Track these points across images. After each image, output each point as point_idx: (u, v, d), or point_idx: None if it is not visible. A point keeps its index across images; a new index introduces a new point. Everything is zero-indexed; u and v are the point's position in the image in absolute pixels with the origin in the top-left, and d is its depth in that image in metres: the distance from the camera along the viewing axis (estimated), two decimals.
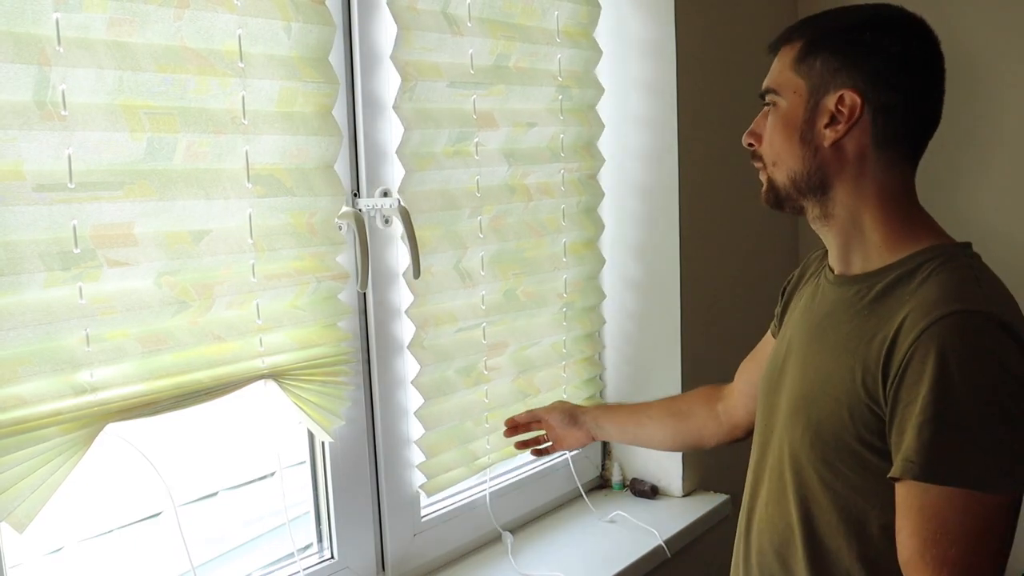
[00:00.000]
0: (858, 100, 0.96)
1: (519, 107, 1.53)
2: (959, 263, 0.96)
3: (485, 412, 1.52)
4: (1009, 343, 0.88)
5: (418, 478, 1.45)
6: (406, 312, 1.38)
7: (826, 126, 0.98)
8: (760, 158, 1.06)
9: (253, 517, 1.36)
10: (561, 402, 1.49)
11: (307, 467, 1.35)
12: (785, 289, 1.24)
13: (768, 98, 1.04)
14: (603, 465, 1.86)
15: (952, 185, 2.00)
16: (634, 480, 1.81)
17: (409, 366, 1.41)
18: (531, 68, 1.54)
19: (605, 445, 1.85)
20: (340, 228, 1.27)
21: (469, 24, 1.41)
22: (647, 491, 1.78)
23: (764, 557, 1.08)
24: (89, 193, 0.99)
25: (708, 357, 1.79)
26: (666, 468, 1.79)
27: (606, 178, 1.77)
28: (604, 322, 1.78)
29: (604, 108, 1.75)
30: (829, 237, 1.05)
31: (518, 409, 1.59)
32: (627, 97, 1.73)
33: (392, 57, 1.30)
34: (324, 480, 1.34)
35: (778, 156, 1.03)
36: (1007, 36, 1.90)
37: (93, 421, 1.01)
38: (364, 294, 1.34)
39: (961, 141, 1.96)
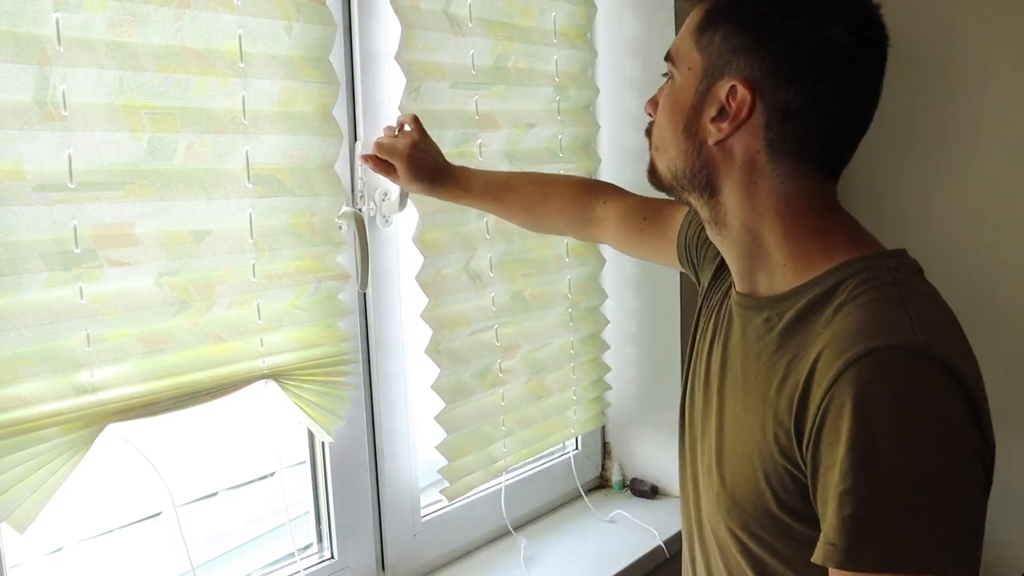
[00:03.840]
0: (748, 96, 0.77)
1: (518, 108, 1.53)
2: (882, 280, 0.77)
3: (501, 415, 1.51)
4: (947, 384, 0.69)
5: (419, 478, 1.45)
6: (421, 315, 1.36)
7: (713, 120, 0.80)
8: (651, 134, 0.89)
9: (253, 517, 1.36)
10: (422, 157, 1.24)
11: (307, 467, 1.35)
12: (708, 246, 1.05)
13: (668, 67, 0.86)
14: (603, 465, 1.86)
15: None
16: (634, 480, 1.81)
17: (410, 366, 1.41)
18: (529, 69, 1.54)
19: (605, 445, 1.86)
20: (340, 228, 1.27)
21: (470, 24, 1.41)
22: (647, 491, 1.78)
23: None
24: (90, 193, 0.99)
25: None
26: (666, 468, 1.79)
27: (604, 179, 1.77)
28: (607, 322, 1.78)
29: (601, 108, 1.75)
30: (725, 248, 0.88)
31: (532, 412, 1.57)
32: (623, 97, 1.73)
33: (397, 57, 1.29)
34: (324, 480, 1.34)
35: (662, 142, 0.87)
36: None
37: (93, 421, 1.01)
38: (364, 294, 1.34)
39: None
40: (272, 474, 1.34)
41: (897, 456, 0.68)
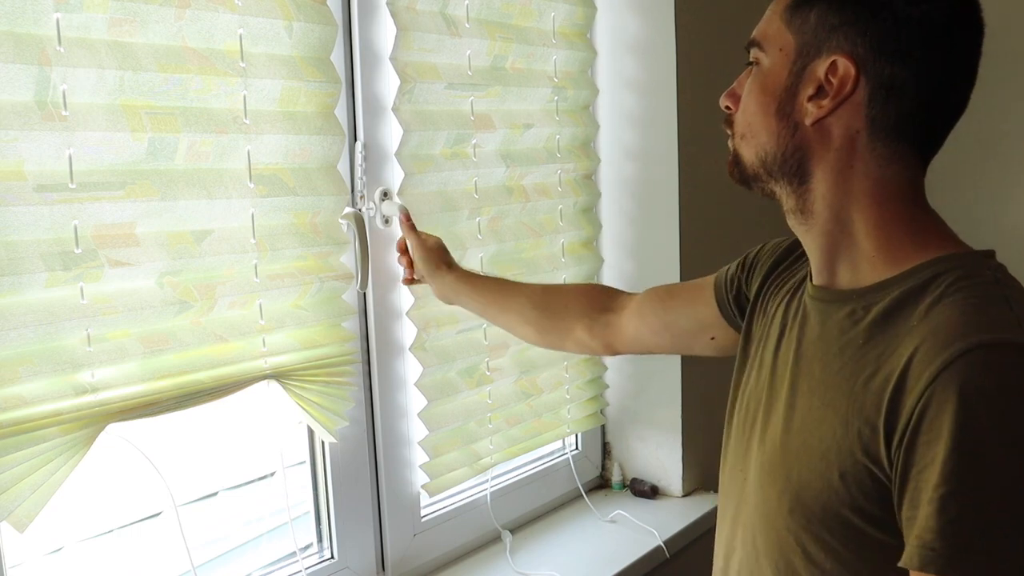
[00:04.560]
0: (852, 70, 0.77)
1: (515, 108, 1.52)
2: (982, 278, 0.75)
3: (488, 413, 1.52)
4: None
5: (419, 478, 1.45)
6: (407, 314, 1.38)
7: (810, 99, 0.79)
8: (732, 124, 0.88)
9: (253, 517, 1.36)
10: (439, 242, 1.32)
11: (307, 467, 1.35)
12: (755, 262, 1.03)
13: (752, 53, 0.85)
14: (603, 465, 1.86)
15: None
16: (634, 480, 1.81)
17: (409, 366, 1.41)
18: (527, 69, 1.54)
19: (605, 445, 1.85)
20: (344, 228, 1.27)
21: (467, 25, 1.41)
22: (647, 491, 1.78)
23: None
24: (90, 193, 0.98)
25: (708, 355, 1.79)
26: (666, 468, 1.79)
27: (604, 178, 1.77)
28: None
29: (601, 108, 1.74)
30: (808, 238, 0.86)
31: (521, 410, 1.59)
32: (624, 97, 1.73)
33: (391, 58, 1.30)
34: (324, 480, 1.34)
35: (749, 127, 0.84)
36: None
37: (94, 421, 1.01)
38: (364, 294, 1.34)
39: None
40: (272, 474, 1.33)
41: (1006, 458, 0.66)
